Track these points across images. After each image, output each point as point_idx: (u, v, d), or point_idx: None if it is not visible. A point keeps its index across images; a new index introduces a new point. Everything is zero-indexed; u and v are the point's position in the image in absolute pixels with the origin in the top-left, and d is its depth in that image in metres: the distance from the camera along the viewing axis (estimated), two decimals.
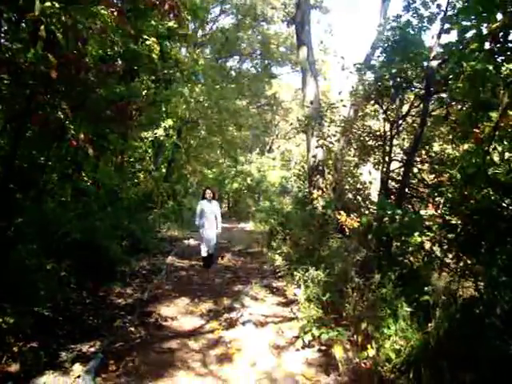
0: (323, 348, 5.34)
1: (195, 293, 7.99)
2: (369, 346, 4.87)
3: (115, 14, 5.51)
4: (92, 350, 5.01)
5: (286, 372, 4.82)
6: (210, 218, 10.40)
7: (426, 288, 5.33)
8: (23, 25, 5.66)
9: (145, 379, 4.53)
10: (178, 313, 6.82)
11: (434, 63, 7.13)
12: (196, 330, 6.11)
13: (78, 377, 4.30)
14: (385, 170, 9.15)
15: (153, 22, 8.66)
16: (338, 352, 4.84)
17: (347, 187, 10.73)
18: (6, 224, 6.17)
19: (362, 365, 4.82)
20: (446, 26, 6.70)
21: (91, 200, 9.55)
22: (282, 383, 4.52)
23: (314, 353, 5.32)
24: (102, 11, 6.38)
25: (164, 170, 20.63)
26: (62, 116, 6.99)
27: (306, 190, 12.87)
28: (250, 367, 4.90)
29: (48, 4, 2.93)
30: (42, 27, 3.00)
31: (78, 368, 4.44)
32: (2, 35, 5.93)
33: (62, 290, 5.74)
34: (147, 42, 8.23)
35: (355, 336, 5.16)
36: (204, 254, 10.52)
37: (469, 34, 5.17)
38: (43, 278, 5.42)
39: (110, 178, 11.97)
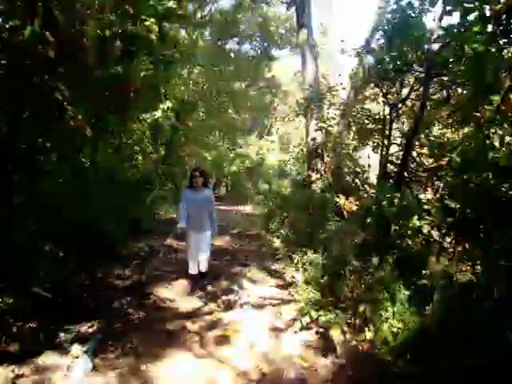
0: (321, 330, 5.38)
1: None
2: (366, 329, 4.91)
3: None
4: (90, 330, 5.05)
5: (284, 354, 4.87)
6: (200, 215, 6.74)
7: (423, 272, 5.37)
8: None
9: (143, 360, 4.57)
10: (177, 295, 6.85)
11: (435, 46, 7.07)
12: (194, 312, 6.15)
13: (77, 357, 4.34)
14: (384, 153, 9.12)
15: (151, 2, 8.53)
16: (335, 334, 4.88)
17: (346, 170, 10.72)
18: (4, 205, 6.16)
19: (360, 347, 4.87)
20: (448, 8, 6.62)
21: (90, 181, 9.51)
22: (280, 365, 4.56)
23: (312, 335, 5.36)
24: None
25: (163, 153, 20.54)
26: (60, 97, 6.95)
27: (305, 173, 12.84)
28: (249, 349, 4.94)
29: None
30: (40, 4, 2.94)
31: (76, 348, 4.48)
32: None
33: (60, 270, 5.75)
34: (146, 23, 8.11)
35: (353, 319, 5.20)
36: (192, 271, 7.15)
37: (471, 17, 5.11)
38: (41, 259, 5.42)
39: (109, 159, 11.90)
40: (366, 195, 9.89)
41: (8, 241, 5.19)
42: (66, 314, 5.15)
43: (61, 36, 5.98)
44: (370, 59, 9.61)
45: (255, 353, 4.85)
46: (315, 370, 4.49)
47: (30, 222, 6.11)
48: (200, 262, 7.04)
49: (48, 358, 4.29)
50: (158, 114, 14.00)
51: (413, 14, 8.06)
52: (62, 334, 4.80)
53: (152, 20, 8.05)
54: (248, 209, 20.54)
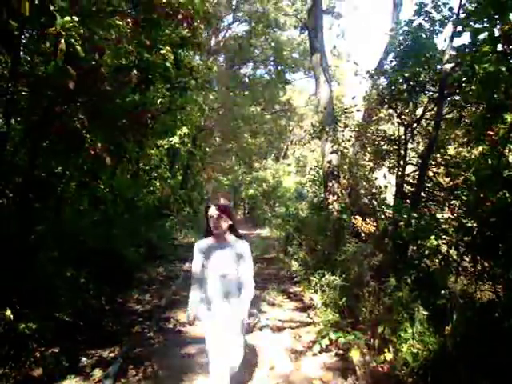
0: (340, 352, 5.35)
1: None
2: (386, 350, 4.87)
3: (130, 24, 5.60)
4: (111, 355, 5.09)
5: (304, 376, 4.85)
6: (226, 289, 3.73)
7: (442, 291, 5.33)
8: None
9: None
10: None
11: (447, 66, 7.13)
12: None
13: (99, 381, 4.38)
14: (400, 173, 9.12)
15: (167, 31, 8.77)
16: (355, 356, 4.84)
17: (362, 192, 10.69)
18: (26, 232, 6.30)
19: (380, 369, 4.82)
20: (459, 28, 6.70)
21: (108, 208, 9.67)
22: None
23: (332, 357, 5.33)
24: (118, 22, 6.51)
25: (180, 178, 20.77)
26: (79, 126, 7.14)
27: (322, 196, 12.84)
28: (268, 371, 4.93)
29: (68, 19, 3.02)
30: (62, 41, 3.10)
31: (98, 373, 4.54)
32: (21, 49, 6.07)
33: (81, 296, 5.83)
34: (162, 51, 8.33)
35: (372, 340, 5.15)
36: (217, 379, 3.69)
37: (481, 36, 5.17)
38: (63, 285, 5.51)
39: (127, 186, 12.08)
40: (383, 216, 9.85)
41: (31, 268, 5.30)
42: (88, 339, 5.22)
43: (80, 68, 6.20)
44: (383, 80, 9.70)
45: (275, 375, 4.84)
46: None
47: (52, 249, 6.24)
48: (231, 365, 3.73)
49: (71, 382, 4.35)
50: (175, 139, 14.20)
51: (424, 36, 8.17)
52: (83, 359, 4.86)
53: (167, 48, 8.26)
54: (265, 232, 20.55)
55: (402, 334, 4.94)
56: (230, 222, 3.63)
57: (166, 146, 15.09)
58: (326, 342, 5.38)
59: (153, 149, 14.59)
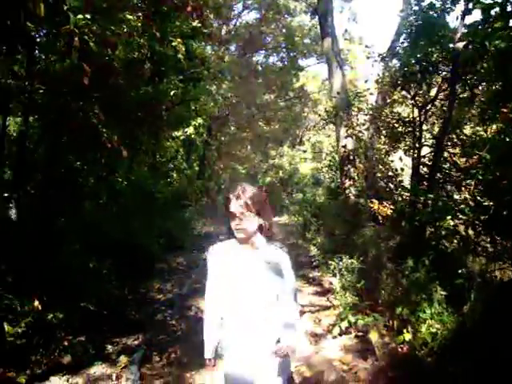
0: (360, 334, 5.42)
1: None
2: (405, 331, 4.92)
3: (141, 18, 5.68)
4: (136, 342, 5.25)
5: (324, 358, 4.93)
6: (255, 313, 2.46)
7: (460, 271, 5.35)
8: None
9: (187, 369, 4.71)
10: None
11: (460, 45, 7.05)
12: None
13: (124, 367, 4.54)
14: (416, 155, 9.09)
15: (177, 23, 8.83)
16: (373, 337, 4.91)
17: (379, 175, 10.67)
18: (49, 227, 6.47)
19: (399, 349, 4.88)
20: (470, 5, 6.62)
21: (127, 200, 9.81)
22: (320, 368, 4.63)
23: (351, 339, 5.41)
24: (129, 16, 6.58)
25: (197, 168, 20.89)
26: (95, 121, 7.26)
27: (338, 181, 12.85)
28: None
29: (81, 17, 3.10)
30: (76, 38, 3.18)
31: (123, 359, 4.69)
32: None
33: (104, 287, 5.98)
34: (173, 43, 8.40)
35: (391, 321, 5.22)
36: None
37: (493, 12, 5.11)
38: (87, 276, 5.67)
39: (145, 178, 12.22)
40: (400, 199, 9.84)
41: (55, 260, 5.46)
42: (112, 328, 5.37)
43: (94, 64, 6.30)
44: (395, 62, 9.64)
45: (296, 358, 4.93)
46: (355, 373, 4.54)
47: (74, 242, 6.40)
48: None
49: (98, 369, 4.52)
50: (190, 130, 14.28)
51: (435, 15, 8.08)
52: (109, 347, 5.03)
53: (178, 40, 8.32)
54: (284, 219, 20.61)
55: (421, 315, 4.97)
56: (261, 221, 2.49)
57: (181, 137, 15.18)
58: (345, 324, 5.46)
59: (168, 140, 14.71)
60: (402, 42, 9.32)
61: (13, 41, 2.29)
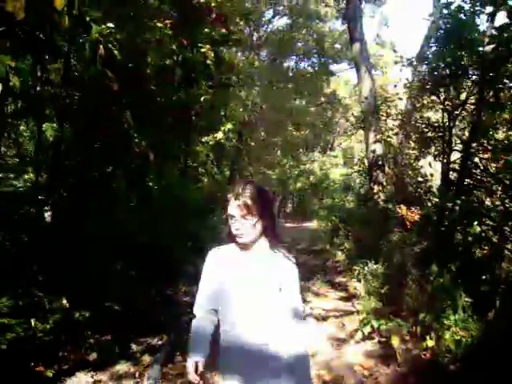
0: (383, 340, 5.39)
1: None
2: (428, 337, 4.89)
3: (168, 26, 5.83)
4: (160, 342, 5.36)
5: (345, 363, 4.94)
6: (255, 331, 2.11)
7: (485, 278, 5.28)
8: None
9: (210, 369, 4.78)
10: None
11: (488, 48, 6.96)
12: None
13: (147, 366, 4.66)
14: (445, 161, 8.99)
15: (206, 30, 8.99)
16: (395, 342, 4.89)
17: (408, 180, 10.59)
18: (79, 229, 6.67)
19: (422, 356, 4.85)
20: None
21: (157, 204, 9.99)
22: (340, 373, 4.63)
23: (374, 344, 5.39)
24: (159, 24, 6.78)
25: (227, 173, 21.05)
26: (126, 126, 7.46)
27: (368, 186, 12.80)
28: (310, 358, 5.05)
29: (104, 26, 3.25)
30: (101, 46, 3.33)
31: (147, 358, 4.82)
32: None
33: (131, 287, 6.12)
34: (202, 50, 8.57)
35: (414, 327, 5.18)
36: None
37: None
38: (114, 277, 5.83)
39: (175, 182, 12.40)
40: (430, 204, 9.74)
41: (84, 261, 5.63)
42: (137, 328, 5.49)
43: (124, 70, 6.50)
44: (425, 67, 9.57)
45: (317, 361, 4.95)
46: (375, 378, 4.53)
47: (103, 244, 6.58)
48: None
49: (122, 367, 4.65)
50: (220, 135, 14.44)
51: (464, 17, 7.98)
52: (134, 346, 5.16)
53: (207, 46, 8.48)
54: (313, 225, 20.59)
55: (445, 321, 4.93)
56: (266, 224, 2.15)
57: (211, 143, 15.36)
58: (368, 329, 5.45)
59: (199, 145, 14.90)
60: (431, 46, 9.24)
61: (41, 51, 2.43)
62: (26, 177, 7.76)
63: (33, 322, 4.10)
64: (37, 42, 2.32)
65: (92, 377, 4.37)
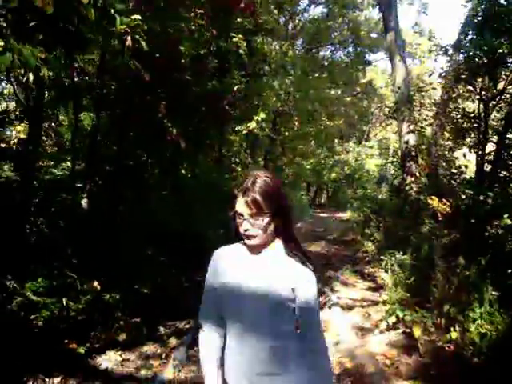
0: (408, 331, 5.39)
1: None
2: (452, 329, 4.87)
3: (198, 16, 5.92)
4: (187, 326, 5.53)
5: (368, 351, 4.97)
6: (264, 351, 1.75)
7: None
8: None
9: None
10: None
11: None
12: None
13: (174, 348, 4.83)
14: (480, 152, 8.84)
15: (238, 20, 9.04)
16: (416, 333, 4.89)
17: (442, 172, 10.43)
18: (113, 215, 6.90)
19: (446, 347, 4.84)
20: None
21: (190, 192, 10.15)
22: (362, 361, 4.68)
23: (398, 335, 5.40)
24: (190, 14, 6.87)
25: (261, 163, 21.10)
26: (160, 115, 7.62)
27: (401, 177, 12.66)
28: (333, 346, 5.11)
29: (133, 17, 3.36)
30: (129, 38, 3.45)
31: (173, 341, 5.01)
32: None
33: (161, 273, 6.31)
34: (234, 40, 8.63)
35: (439, 319, 5.17)
36: None
37: None
38: (144, 262, 6.02)
39: (209, 171, 12.56)
40: (464, 196, 9.60)
41: (116, 246, 5.84)
42: (166, 312, 5.67)
43: (157, 60, 6.65)
44: (461, 56, 9.39)
45: (340, 350, 5.01)
46: (397, 368, 4.55)
47: (135, 230, 6.79)
48: None
49: (149, 348, 4.86)
50: (253, 125, 14.50)
51: (503, 3, 7.77)
52: (161, 328, 5.35)
53: (239, 36, 8.53)
54: (346, 215, 20.52)
55: (471, 314, 4.90)
56: (279, 223, 1.85)
57: (244, 132, 15.45)
58: (392, 319, 5.46)
59: (232, 135, 15.01)
60: (467, 34, 9.04)
61: (70, 43, 2.55)
62: (64, 165, 8.06)
63: (64, 300, 4.30)
64: (65, 35, 2.45)
65: (121, 355, 4.58)
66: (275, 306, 1.75)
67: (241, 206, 1.79)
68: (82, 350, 4.37)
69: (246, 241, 1.83)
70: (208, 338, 1.94)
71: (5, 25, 2.19)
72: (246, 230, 1.79)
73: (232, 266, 1.88)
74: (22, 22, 2.17)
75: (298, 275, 1.80)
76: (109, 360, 4.46)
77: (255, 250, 1.87)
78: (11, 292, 4.19)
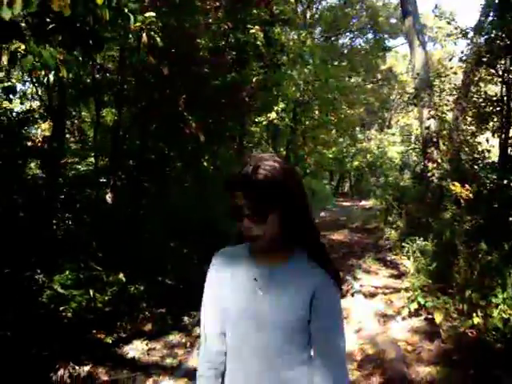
0: (430, 317, 5.40)
1: None
2: (474, 315, 4.86)
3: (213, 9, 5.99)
4: None
5: (390, 338, 5.00)
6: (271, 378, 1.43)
7: None
8: None
9: None
10: None
11: None
12: None
13: (198, 337, 4.94)
14: (503, 136, 8.71)
15: (254, 11, 9.06)
16: (437, 318, 4.89)
17: (464, 157, 10.30)
18: (136, 208, 7.05)
19: (469, 333, 4.84)
20: None
21: (211, 185, 10.26)
22: (383, 347, 4.72)
23: (420, 321, 5.41)
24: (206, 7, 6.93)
25: (283, 153, 21.12)
26: (180, 108, 7.71)
27: (422, 164, 12.55)
28: (355, 333, 5.16)
29: (147, 15, 3.45)
30: (144, 35, 3.54)
31: (198, 330, 5.10)
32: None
33: (184, 264, 6.43)
34: (251, 31, 8.67)
35: (461, 304, 5.16)
36: None
37: None
38: (167, 254, 6.16)
39: (230, 163, 12.65)
40: (487, 181, 9.49)
41: (139, 237, 5.99)
42: (190, 302, 5.77)
43: (174, 55, 6.75)
44: (482, 39, 9.22)
45: (361, 336, 5.06)
46: (419, 353, 4.58)
47: (158, 222, 6.92)
48: None
49: (174, 337, 5.02)
50: (273, 115, 14.54)
51: None
52: (186, 318, 5.49)
53: (256, 27, 8.57)
54: (369, 203, 20.44)
55: (493, 300, 4.88)
56: (291, 220, 1.43)
57: (264, 123, 15.49)
58: (414, 306, 5.47)
59: (252, 126, 15.08)
60: (488, 15, 8.88)
61: (87, 43, 2.64)
62: (88, 161, 8.24)
63: (91, 292, 4.45)
64: (82, 35, 2.54)
65: (147, 345, 4.74)
66: (287, 332, 1.40)
67: (240, 198, 1.36)
68: (109, 340, 4.53)
69: (250, 243, 1.45)
70: (208, 356, 1.55)
71: (25, 28, 2.29)
72: (247, 229, 1.38)
73: (235, 280, 1.49)
74: (40, 25, 2.28)
75: (318, 293, 1.40)
76: (135, 349, 4.60)
77: (264, 256, 1.47)
78: (41, 285, 4.35)
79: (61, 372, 3.80)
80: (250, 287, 1.45)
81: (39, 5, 2.15)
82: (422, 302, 5.39)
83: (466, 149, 10.26)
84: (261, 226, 1.37)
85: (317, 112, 20.59)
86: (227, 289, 1.50)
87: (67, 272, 4.68)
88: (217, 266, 1.57)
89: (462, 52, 9.47)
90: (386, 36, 23.96)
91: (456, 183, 8.59)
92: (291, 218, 1.40)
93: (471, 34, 9.21)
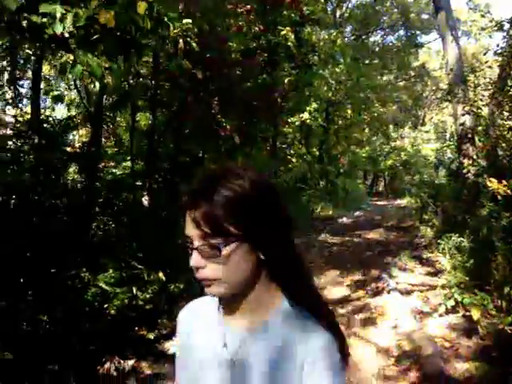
0: (467, 314, 5.37)
1: (345, 265, 8.36)
2: None
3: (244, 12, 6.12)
4: None
5: (426, 335, 5.00)
6: None
7: None
8: None
9: None
10: (328, 283, 7.29)
11: None
12: (344, 298, 6.53)
13: None
14: None
15: (285, 13, 9.16)
16: (475, 315, 4.87)
17: (501, 153, 10.13)
18: (171, 208, 7.23)
19: (508, 330, 4.80)
20: None
21: None
22: (420, 343, 4.73)
23: (458, 318, 5.38)
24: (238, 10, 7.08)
25: (316, 153, 21.14)
26: (213, 111, 7.89)
27: (458, 161, 12.38)
28: (392, 329, 5.19)
29: (184, 21, 3.58)
30: (181, 41, 3.67)
31: None
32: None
33: None
34: (282, 32, 8.77)
35: (499, 301, 5.12)
36: None
37: None
38: None
39: (263, 163, 12.75)
40: None
41: (176, 238, 6.15)
42: None
43: (208, 59, 6.91)
44: None
45: (398, 333, 5.08)
46: (456, 350, 4.58)
47: None
48: None
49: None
50: (305, 115, 14.60)
51: None
52: None
53: (287, 29, 8.66)
54: (404, 202, 20.24)
55: None
56: (267, 258, 0.94)
57: (297, 123, 15.57)
58: (451, 303, 5.44)
59: (285, 126, 15.17)
60: None
61: (129, 51, 2.78)
62: (124, 164, 8.48)
63: (134, 289, 4.63)
64: (125, 44, 2.69)
65: None
66: None
67: (190, 227, 0.93)
68: (151, 336, 4.70)
69: (206, 289, 0.97)
70: None
71: (73, 40, 2.45)
72: (198, 270, 0.94)
73: (202, 353, 1.05)
74: (87, 36, 2.43)
75: (310, 366, 0.93)
76: (175, 345, 4.70)
77: (236, 314, 1.03)
78: (86, 283, 4.56)
79: (107, 365, 3.98)
80: (220, 362, 1.00)
81: (87, 18, 2.30)
82: (459, 299, 5.36)
83: (503, 144, 10.10)
84: (216, 266, 0.92)
85: (349, 111, 20.51)
86: (195, 364, 1.06)
87: (110, 271, 4.88)
88: (182, 328, 1.16)
89: (498, 45, 9.31)
90: (417, 32, 23.69)
91: (493, 179, 8.47)
92: (269, 260, 0.96)
93: (507, 26, 9.06)
